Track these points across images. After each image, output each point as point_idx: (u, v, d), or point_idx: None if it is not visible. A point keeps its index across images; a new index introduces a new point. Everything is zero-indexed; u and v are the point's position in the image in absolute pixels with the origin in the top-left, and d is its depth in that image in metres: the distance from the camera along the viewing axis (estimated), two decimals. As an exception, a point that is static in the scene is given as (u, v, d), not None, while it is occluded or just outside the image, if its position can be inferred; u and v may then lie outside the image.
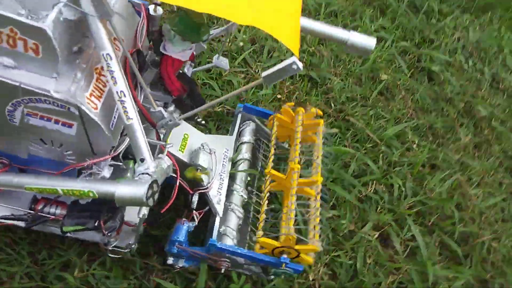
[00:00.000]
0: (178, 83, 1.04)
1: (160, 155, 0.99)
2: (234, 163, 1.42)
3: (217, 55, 1.33)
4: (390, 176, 1.74)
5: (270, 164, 1.30)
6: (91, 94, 0.90)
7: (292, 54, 0.86)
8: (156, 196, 0.93)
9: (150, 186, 0.90)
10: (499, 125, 2.22)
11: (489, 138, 2.18)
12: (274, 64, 1.14)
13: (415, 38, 2.40)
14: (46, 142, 0.97)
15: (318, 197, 1.23)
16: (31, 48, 0.81)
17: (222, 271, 1.24)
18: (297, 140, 1.31)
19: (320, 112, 1.39)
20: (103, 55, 0.87)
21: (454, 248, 1.67)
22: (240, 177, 1.40)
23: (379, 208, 1.69)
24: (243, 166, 1.44)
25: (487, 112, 2.22)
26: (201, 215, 1.26)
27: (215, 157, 1.33)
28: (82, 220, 0.98)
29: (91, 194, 0.92)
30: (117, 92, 0.90)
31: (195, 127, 1.38)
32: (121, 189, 0.90)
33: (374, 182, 1.73)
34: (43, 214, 1.03)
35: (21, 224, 1.05)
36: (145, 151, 0.94)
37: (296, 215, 1.22)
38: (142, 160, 0.94)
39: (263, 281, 1.38)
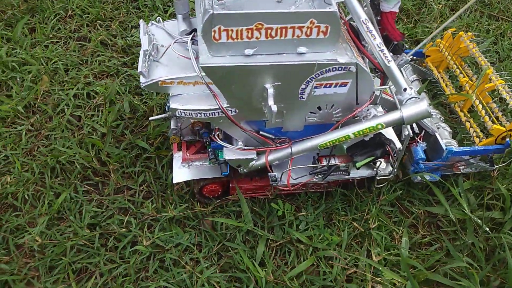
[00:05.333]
0: (398, 30, 1.32)
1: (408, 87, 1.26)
2: (418, 95, 1.70)
3: None
4: None
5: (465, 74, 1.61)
6: (357, 55, 1.19)
7: None
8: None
9: (427, 102, 1.18)
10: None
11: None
12: None
13: None
14: (321, 108, 1.27)
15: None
16: (322, 32, 1.11)
17: (462, 170, 1.49)
18: (476, 54, 1.56)
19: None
20: (362, 21, 1.17)
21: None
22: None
23: None
24: (425, 96, 1.71)
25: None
26: (421, 138, 1.52)
27: (411, 91, 1.59)
28: (370, 153, 1.27)
29: (379, 127, 1.21)
30: (377, 44, 1.19)
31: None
32: (407, 112, 1.18)
33: None
34: (332, 164, 1.33)
35: (315, 179, 1.36)
36: (405, 83, 1.22)
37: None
38: (405, 89, 1.22)
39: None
